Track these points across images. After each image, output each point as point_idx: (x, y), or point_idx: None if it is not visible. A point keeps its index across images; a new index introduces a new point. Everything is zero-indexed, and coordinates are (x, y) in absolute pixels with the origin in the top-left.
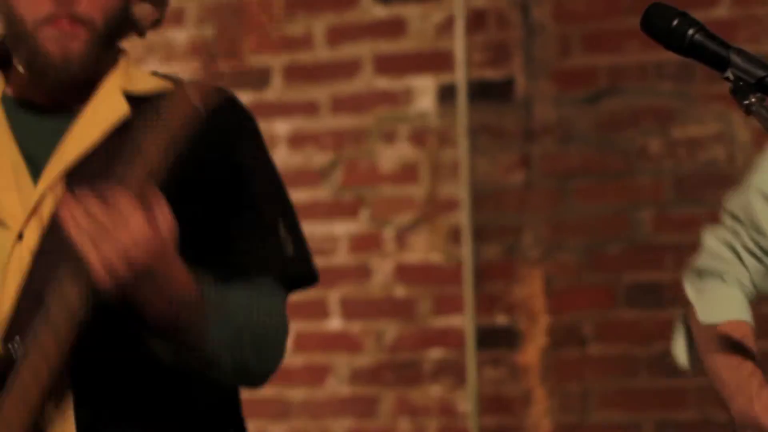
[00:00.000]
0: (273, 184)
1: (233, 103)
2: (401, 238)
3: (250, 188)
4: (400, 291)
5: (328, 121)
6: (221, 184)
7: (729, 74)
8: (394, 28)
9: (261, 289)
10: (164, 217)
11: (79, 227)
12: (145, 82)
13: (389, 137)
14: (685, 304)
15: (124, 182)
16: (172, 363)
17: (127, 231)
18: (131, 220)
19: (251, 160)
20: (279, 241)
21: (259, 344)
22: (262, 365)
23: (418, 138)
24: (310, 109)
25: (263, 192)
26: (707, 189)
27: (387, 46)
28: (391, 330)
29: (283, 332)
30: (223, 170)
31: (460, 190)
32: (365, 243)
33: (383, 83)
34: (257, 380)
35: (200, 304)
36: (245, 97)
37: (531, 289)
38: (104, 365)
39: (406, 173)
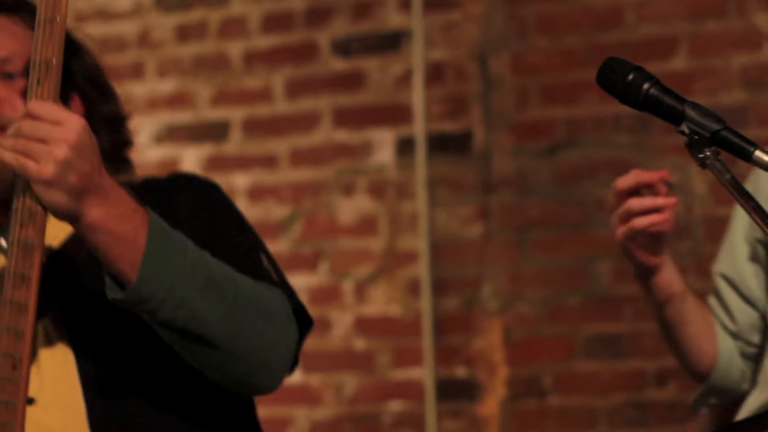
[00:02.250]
0: (244, 225)
1: (195, 178)
2: (360, 291)
3: (221, 227)
4: (359, 343)
5: (287, 174)
6: (197, 231)
7: (684, 128)
8: (353, 81)
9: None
10: (75, 118)
11: (6, 149)
12: None
13: (348, 190)
14: None
15: (37, 95)
16: (176, 343)
17: (56, 133)
18: (60, 123)
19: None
20: (262, 267)
21: (256, 319)
22: (264, 346)
23: (376, 191)
24: (269, 162)
25: (236, 227)
26: None
27: (346, 99)
28: (350, 383)
29: (286, 322)
30: (197, 220)
31: (418, 242)
32: (324, 296)
33: (342, 136)
34: (262, 370)
35: (161, 233)
36: (204, 150)
37: (490, 340)
38: (120, 382)
39: (365, 226)
